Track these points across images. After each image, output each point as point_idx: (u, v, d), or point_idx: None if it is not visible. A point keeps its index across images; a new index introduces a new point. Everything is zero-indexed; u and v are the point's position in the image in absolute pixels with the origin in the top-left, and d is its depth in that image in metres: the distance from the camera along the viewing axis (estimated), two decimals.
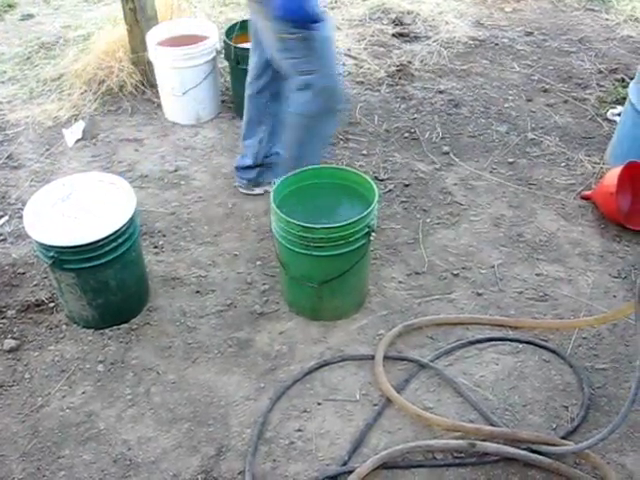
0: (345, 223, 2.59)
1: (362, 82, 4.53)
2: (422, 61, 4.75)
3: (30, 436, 2.49)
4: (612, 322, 2.85)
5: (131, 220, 2.71)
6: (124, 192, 2.80)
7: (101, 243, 2.61)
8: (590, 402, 2.57)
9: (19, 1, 5.70)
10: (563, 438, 2.43)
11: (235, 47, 3.89)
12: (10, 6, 5.59)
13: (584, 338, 2.83)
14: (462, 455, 2.41)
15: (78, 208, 2.79)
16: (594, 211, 3.45)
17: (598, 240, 3.30)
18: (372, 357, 2.73)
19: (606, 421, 2.50)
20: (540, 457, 2.34)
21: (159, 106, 4.23)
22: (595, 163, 3.77)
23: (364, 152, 3.89)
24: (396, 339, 2.81)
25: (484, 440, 2.40)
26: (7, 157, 3.88)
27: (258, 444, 2.45)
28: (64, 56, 4.71)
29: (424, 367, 2.71)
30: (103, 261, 2.66)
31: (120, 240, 2.67)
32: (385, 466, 2.35)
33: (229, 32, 4.01)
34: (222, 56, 4.07)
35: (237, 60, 3.92)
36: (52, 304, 2.96)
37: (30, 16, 5.45)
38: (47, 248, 2.59)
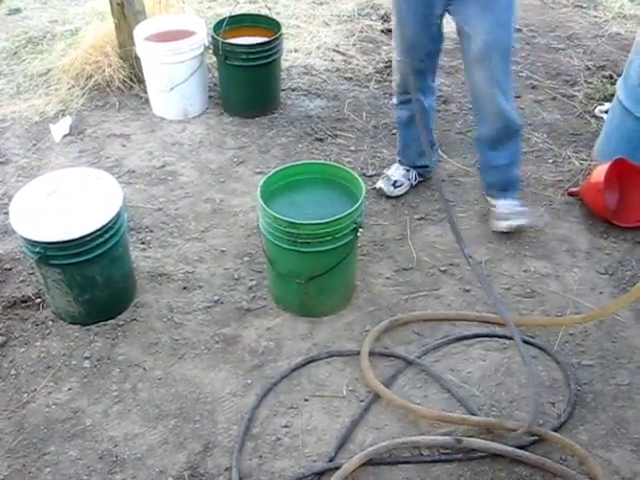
0: (332, 219, 2.58)
1: (350, 78, 4.52)
2: None
3: (15, 433, 2.48)
4: (599, 319, 2.86)
5: (118, 216, 2.70)
6: (111, 187, 2.78)
7: (87, 239, 2.60)
8: (576, 398, 2.58)
9: None
10: None
11: (223, 42, 3.87)
12: None
13: (571, 334, 2.84)
14: (449, 451, 2.41)
15: (64, 204, 2.78)
16: (581, 208, 3.45)
17: (585, 237, 3.30)
18: (359, 353, 2.72)
19: (592, 417, 2.52)
20: (526, 453, 2.35)
21: (147, 101, 4.21)
22: (583, 160, 3.78)
23: (352, 148, 3.88)
24: (383, 335, 2.81)
25: (470, 436, 2.41)
26: None
27: (245, 440, 2.45)
28: (51, 51, 4.69)
29: (411, 363, 2.71)
30: (89, 257, 2.65)
31: (107, 236, 2.66)
32: (372, 462, 2.35)
33: (217, 27, 4.00)
34: (210, 51, 4.06)
35: (225, 56, 3.90)
36: (38, 300, 2.95)
37: (17, 10, 5.40)
38: (33, 244, 2.58)
